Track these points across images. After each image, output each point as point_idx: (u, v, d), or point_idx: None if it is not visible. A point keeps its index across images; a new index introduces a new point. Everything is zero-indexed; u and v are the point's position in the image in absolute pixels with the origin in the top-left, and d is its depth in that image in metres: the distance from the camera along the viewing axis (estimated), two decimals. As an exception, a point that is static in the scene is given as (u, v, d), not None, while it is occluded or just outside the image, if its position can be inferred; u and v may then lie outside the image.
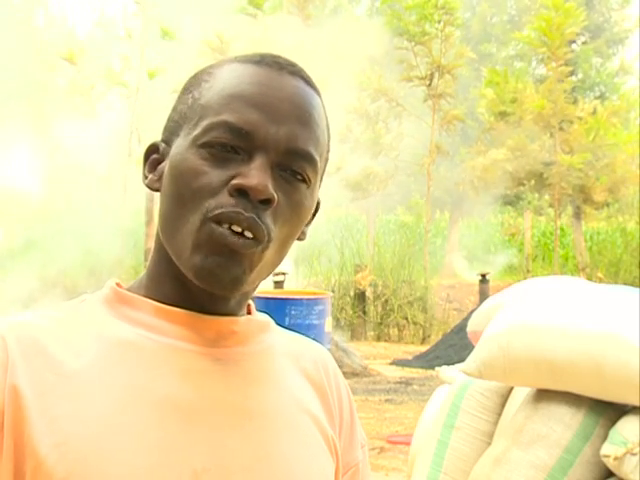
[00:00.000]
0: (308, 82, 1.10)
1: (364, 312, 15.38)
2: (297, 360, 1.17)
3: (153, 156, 1.12)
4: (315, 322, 9.72)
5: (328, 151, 1.14)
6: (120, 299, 1.10)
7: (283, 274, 11.91)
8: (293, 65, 1.10)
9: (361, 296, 15.39)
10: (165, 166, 1.09)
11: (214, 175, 1.03)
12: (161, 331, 1.07)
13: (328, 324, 10.03)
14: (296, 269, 13.60)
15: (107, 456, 0.98)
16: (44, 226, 14.69)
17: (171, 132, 1.10)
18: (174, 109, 1.12)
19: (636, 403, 2.78)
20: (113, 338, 1.06)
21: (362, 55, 17.10)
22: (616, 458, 2.73)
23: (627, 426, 2.78)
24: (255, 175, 1.02)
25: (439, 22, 16.91)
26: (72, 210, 20.66)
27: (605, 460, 2.77)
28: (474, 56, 17.82)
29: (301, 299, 9.90)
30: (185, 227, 1.04)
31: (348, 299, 15.45)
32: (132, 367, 1.04)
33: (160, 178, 1.10)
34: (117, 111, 14.29)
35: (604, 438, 2.84)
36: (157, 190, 1.10)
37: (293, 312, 9.64)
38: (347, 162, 17.20)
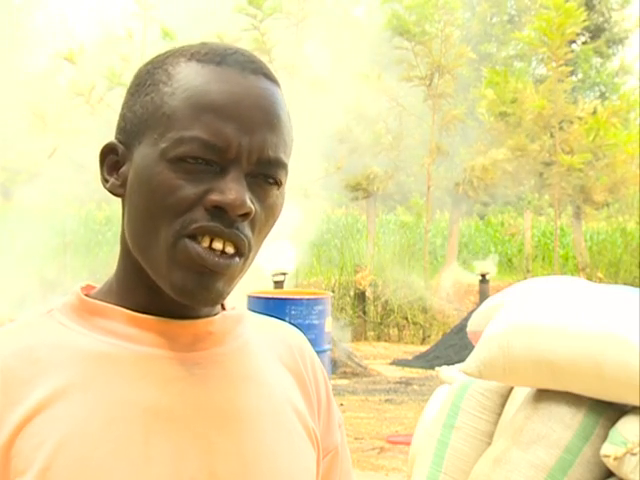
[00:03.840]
0: (269, 77, 1.07)
1: (364, 312, 15.37)
2: (274, 349, 1.16)
3: (110, 157, 1.08)
4: (315, 322, 9.71)
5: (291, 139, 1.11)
6: (90, 309, 1.07)
7: (283, 274, 11.90)
8: (253, 61, 1.06)
9: (361, 296, 15.39)
10: (128, 172, 1.06)
11: (188, 190, 1.01)
12: (136, 340, 1.04)
13: (328, 324, 10.02)
14: (296, 269, 13.59)
15: (93, 475, 0.97)
16: (43, 225, 14.69)
17: (130, 136, 1.06)
18: (130, 109, 1.08)
19: (636, 403, 2.78)
20: (88, 351, 1.03)
21: (362, 55, 17.09)
22: (616, 458, 2.73)
23: (627, 426, 2.78)
24: (231, 190, 1.00)
25: (439, 22, 16.90)
26: (72, 211, 20.64)
27: (605, 460, 2.77)
28: (474, 56, 17.78)
29: (301, 299, 9.90)
30: (158, 242, 1.02)
31: (348, 299, 15.45)
32: (111, 380, 1.02)
33: (123, 184, 1.06)
34: (117, 111, 14.27)
35: (604, 438, 2.84)
36: (119, 195, 1.07)
37: (293, 312, 9.63)
38: (347, 162, 17.19)
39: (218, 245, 1.01)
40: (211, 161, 1.01)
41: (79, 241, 16.69)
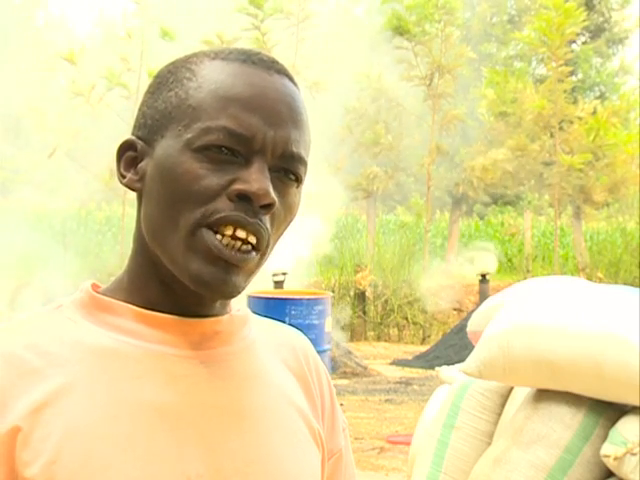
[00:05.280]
0: (292, 79, 1.09)
1: (364, 312, 15.38)
2: (278, 351, 1.16)
3: (128, 153, 1.09)
4: (315, 322, 9.72)
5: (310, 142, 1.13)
6: (98, 305, 1.07)
7: (283, 274, 11.91)
8: (276, 62, 1.08)
9: (361, 296, 15.39)
10: (147, 166, 1.06)
11: (212, 179, 1.01)
12: (144, 337, 1.05)
13: (328, 324, 10.04)
14: (296, 269, 13.60)
15: (98, 470, 0.97)
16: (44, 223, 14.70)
17: (152, 131, 1.06)
18: (150, 106, 1.08)
19: (636, 403, 2.78)
20: (95, 347, 1.03)
21: (362, 55, 17.08)
22: (616, 458, 2.73)
23: (627, 426, 2.78)
24: (256, 180, 1.01)
25: (439, 22, 16.89)
26: (72, 211, 20.64)
27: (605, 460, 2.77)
28: (474, 56, 17.78)
29: (301, 299, 9.91)
30: (178, 230, 1.02)
31: (348, 299, 15.45)
32: (118, 376, 1.02)
33: (141, 178, 1.07)
34: (117, 111, 14.29)
35: (604, 438, 2.84)
36: (136, 190, 1.08)
37: (293, 312, 9.64)
38: (347, 162, 17.20)
39: (242, 234, 1.01)
40: (236, 151, 1.02)
41: (79, 241, 16.69)
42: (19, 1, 24.94)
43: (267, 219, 1.02)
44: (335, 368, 11.38)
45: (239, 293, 1.04)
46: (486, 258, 16.37)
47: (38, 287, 12.42)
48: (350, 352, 12.36)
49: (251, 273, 1.04)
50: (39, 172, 15.46)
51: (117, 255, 14.84)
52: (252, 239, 1.02)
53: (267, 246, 1.04)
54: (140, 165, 1.07)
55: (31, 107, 15.28)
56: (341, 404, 9.67)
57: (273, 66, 1.07)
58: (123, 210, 15.05)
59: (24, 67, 17.30)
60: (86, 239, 17.74)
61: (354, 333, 14.96)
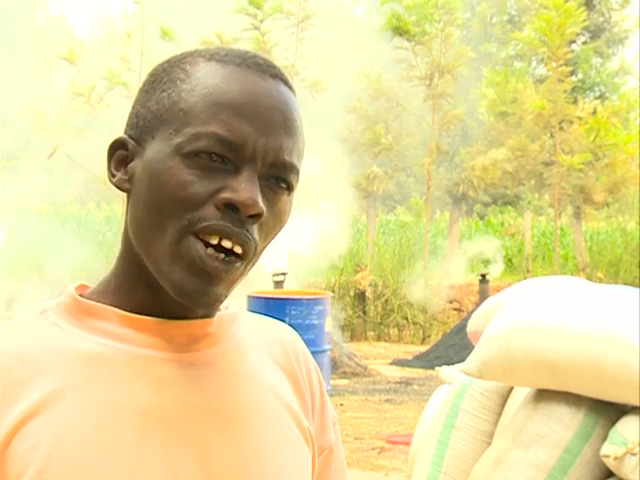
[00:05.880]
0: (287, 83, 1.07)
1: (364, 312, 15.38)
2: (267, 348, 1.15)
3: (119, 152, 1.07)
4: (315, 322, 9.71)
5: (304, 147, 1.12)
6: (84, 310, 1.06)
7: (283, 274, 11.91)
8: (273, 66, 1.06)
9: (361, 296, 15.40)
10: (137, 167, 1.05)
11: (200, 186, 1.00)
12: (131, 341, 1.04)
13: (328, 324, 10.02)
14: (296, 269, 13.60)
15: (88, 477, 0.96)
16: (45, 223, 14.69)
17: (143, 131, 1.05)
18: (143, 105, 1.06)
19: (636, 403, 2.78)
20: (81, 352, 1.02)
21: (362, 55, 17.07)
22: (616, 458, 2.73)
23: (627, 426, 2.78)
24: (245, 189, 0.99)
25: (439, 22, 16.89)
26: (72, 211, 20.63)
27: (605, 460, 2.77)
28: (474, 56, 17.78)
29: (301, 299, 9.89)
30: (163, 237, 1.01)
31: (348, 299, 15.45)
32: (105, 381, 1.01)
33: (131, 179, 1.05)
34: (117, 111, 14.29)
35: (604, 438, 2.84)
36: (125, 191, 1.06)
37: (293, 312, 9.63)
38: (347, 162, 17.19)
39: (227, 244, 1.00)
40: (226, 159, 1.01)
41: (79, 241, 16.69)
42: (19, 1, 24.94)
43: (254, 228, 1.01)
44: (335, 368, 11.38)
45: (221, 302, 1.03)
46: (489, 258, 16.38)
47: (37, 287, 12.42)
48: (350, 352, 12.36)
49: (233, 283, 1.03)
50: (39, 172, 15.45)
51: (117, 255, 14.79)
52: (238, 249, 1.00)
53: (253, 255, 1.03)
54: (130, 165, 1.06)
55: (31, 107, 15.28)
56: (341, 404, 9.66)
57: (268, 70, 1.05)
58: (123, 210, 15.04)
59: (24, 67, 17.30)
60: (86, 239, 17.74)
61: (354, 333, 14.97)
